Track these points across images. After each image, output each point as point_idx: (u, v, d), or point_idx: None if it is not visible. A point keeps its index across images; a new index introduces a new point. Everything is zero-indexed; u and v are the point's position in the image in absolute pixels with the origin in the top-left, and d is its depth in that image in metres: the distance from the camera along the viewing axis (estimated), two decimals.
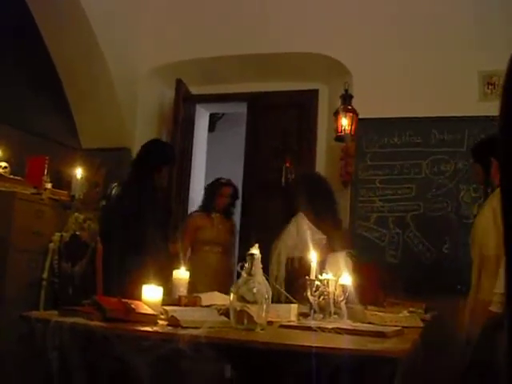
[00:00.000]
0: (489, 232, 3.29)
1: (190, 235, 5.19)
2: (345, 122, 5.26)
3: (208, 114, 7.02)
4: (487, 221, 3.34)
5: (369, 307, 3.36)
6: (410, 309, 3.53)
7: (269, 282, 2.39)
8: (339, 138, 5.38)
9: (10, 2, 5.00)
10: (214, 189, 5.40)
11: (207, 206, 5.35)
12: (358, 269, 3.45)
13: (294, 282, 3.77)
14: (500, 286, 3.10)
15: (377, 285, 4.36)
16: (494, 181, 3.47)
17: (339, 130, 5.31)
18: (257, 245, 2.42)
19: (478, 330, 3.12)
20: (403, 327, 2.63)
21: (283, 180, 5.66)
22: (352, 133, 5.30)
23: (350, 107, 5.29)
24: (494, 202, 3.32)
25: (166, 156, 4.60)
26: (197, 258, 5.09)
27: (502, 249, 2.98)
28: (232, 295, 2.31)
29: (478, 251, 3.38)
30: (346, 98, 5.32)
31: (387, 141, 5.41)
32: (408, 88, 5.34)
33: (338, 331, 2.37)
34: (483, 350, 3.07)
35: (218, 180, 5.46)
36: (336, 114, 5.33)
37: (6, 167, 4.66)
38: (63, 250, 3.99)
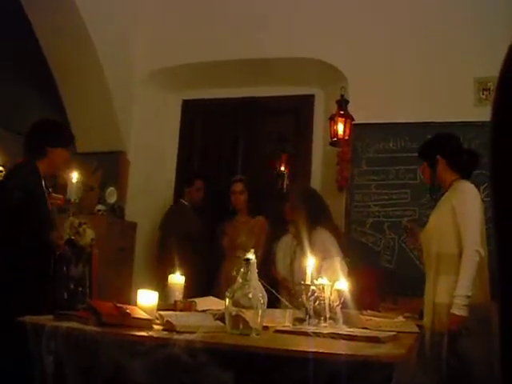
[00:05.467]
0: (449, 230, 3.30)
1: (220, 242, 5.22)
2: (340, 128, 5.26)
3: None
4: (445, 219, 3.35)
5: (364, 312, 3.36)
6: (406, 314, 3.53)
7: (264, 287, 2.38)
8: (334, 143, 5.39)
9: (7, 6, 5.00)
10: (229, 190, 5.37)
11: (228, 209, 5.35)
12: (354, 274, 3.45)
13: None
14: (465, 289, 3.11)
15: (372, 290, 4.37)
16: (441, 178, 3.51)
17: (333, 136, 5.31)
18: (252, 250, 2.42)
19: (442, 336, 3.13)
20: (398, 332, 2.63)
21: (284, 185, 5.68)
22: (347, 138, 5.30)
23: (344, 112, 5.29)
24: (453, 201, 3.35)
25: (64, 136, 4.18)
26: (230, 265, 5.00)
27: (461, 247, 3.01)
28: (227, 300, 2.31)
29: (434, 251, 3.38)
30: (342, 103, 5.32)
31: (383, 146, 5.41)
32: (404, 93, 5.35)
33: (334, 336, 2.37)
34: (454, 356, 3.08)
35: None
36: (331, 119, 5.33)
37: (1, 171, 4.65)
38: (58, 255, 3.96)
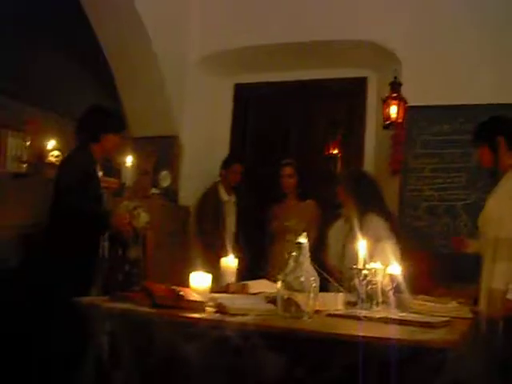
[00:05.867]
0: (507, 214, 3.22)
1: (270, 226, 5.28)
2: (393, 110, 5.20)
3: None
4: (504, 203, 3.27)
5: (417, 297, 3.33)
6: (460, 300, 3.48)
7: (316, 271, 2.38)
8: (387, 126, 5.33)
9: None
10: (278, 174, 5.37)
11: (278, 193, 5.36)
12: (407, 258, 3.42)
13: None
14: None
15: (426, 275, 4.33)
16: (501, 160, 3.41)
17: (387, 118, 5.25)
18: (305, 233, 2.42)
19: (497, 322, 3.07)
20: (452, 318, 2.60)
21: (337, 169, 5.65)
22: (401, 121, 5.23)
23: (398, 95, 5.22)
24: (510, 183, 3.27)
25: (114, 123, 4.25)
26: (276, 248, 5.10)
27: None
28: (279, 283, 2.31)
29: (492, 235, 3.30)
30: (395, 86, 5.25)
31: (438, 129, 5.33)
32: (459, 75, 5.24)
33: (386, 321, 2.36)
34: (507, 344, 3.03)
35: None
36: (384, 101, 5.27)
37: (58, 156, 4.76)
38: (114, 237, 4.05)
